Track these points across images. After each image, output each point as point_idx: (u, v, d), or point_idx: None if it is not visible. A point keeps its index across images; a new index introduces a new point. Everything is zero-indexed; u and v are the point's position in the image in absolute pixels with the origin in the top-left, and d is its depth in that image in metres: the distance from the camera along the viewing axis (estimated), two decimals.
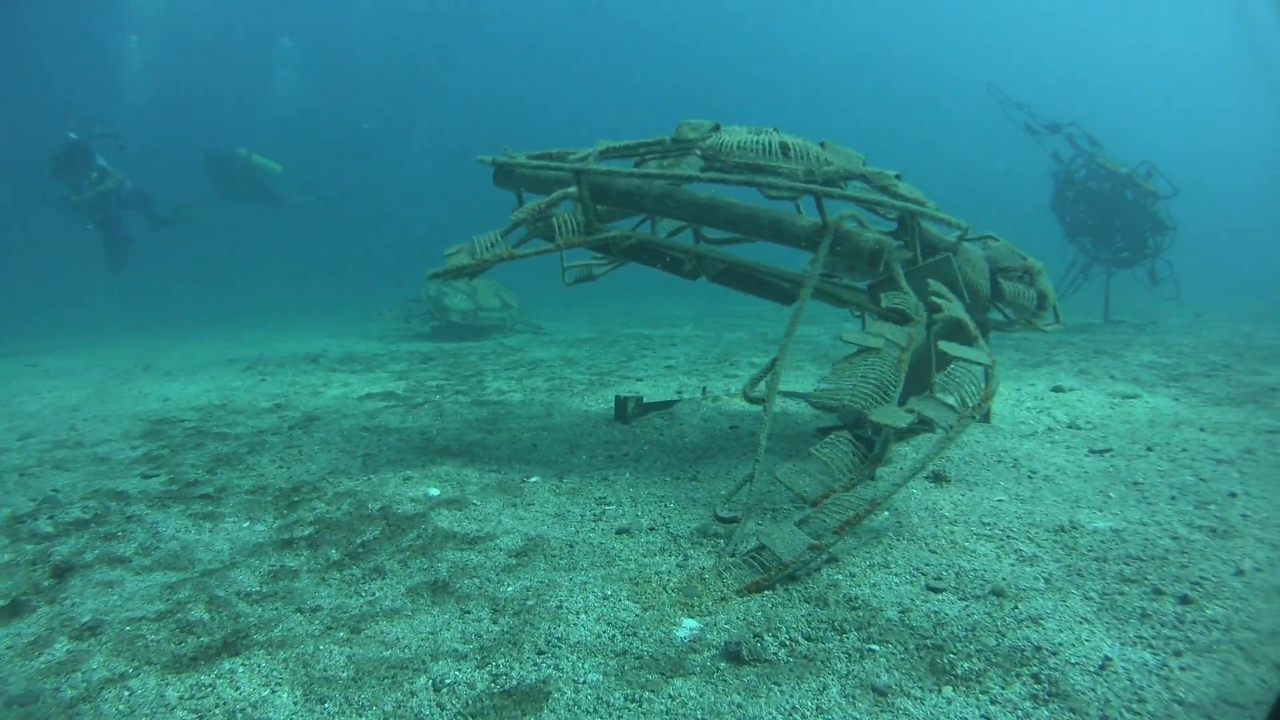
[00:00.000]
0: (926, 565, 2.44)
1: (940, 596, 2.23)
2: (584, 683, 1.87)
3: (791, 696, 1.78)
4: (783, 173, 3.29)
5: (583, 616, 2.21)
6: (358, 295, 17.50)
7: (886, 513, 2.90)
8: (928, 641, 1.98)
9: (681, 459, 3.82)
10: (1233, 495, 2.94)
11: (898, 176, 3.70)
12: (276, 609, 2.37)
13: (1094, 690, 1.74)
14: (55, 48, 29.13)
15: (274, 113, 29.81)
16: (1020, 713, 1.68)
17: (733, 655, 1.95)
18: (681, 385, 6.01)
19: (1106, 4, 39.49)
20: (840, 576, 2.40)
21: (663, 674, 1.90)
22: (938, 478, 3.28)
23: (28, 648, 2.17)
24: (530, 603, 2.32)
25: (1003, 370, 6.12)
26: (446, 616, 2.26)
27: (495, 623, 2.21)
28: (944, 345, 2.97)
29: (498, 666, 1.96)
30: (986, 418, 4.34)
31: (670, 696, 1.80)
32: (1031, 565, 2.41)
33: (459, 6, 37.03)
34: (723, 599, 2.29)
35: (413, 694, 1.86)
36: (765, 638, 2.04)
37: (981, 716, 1.68)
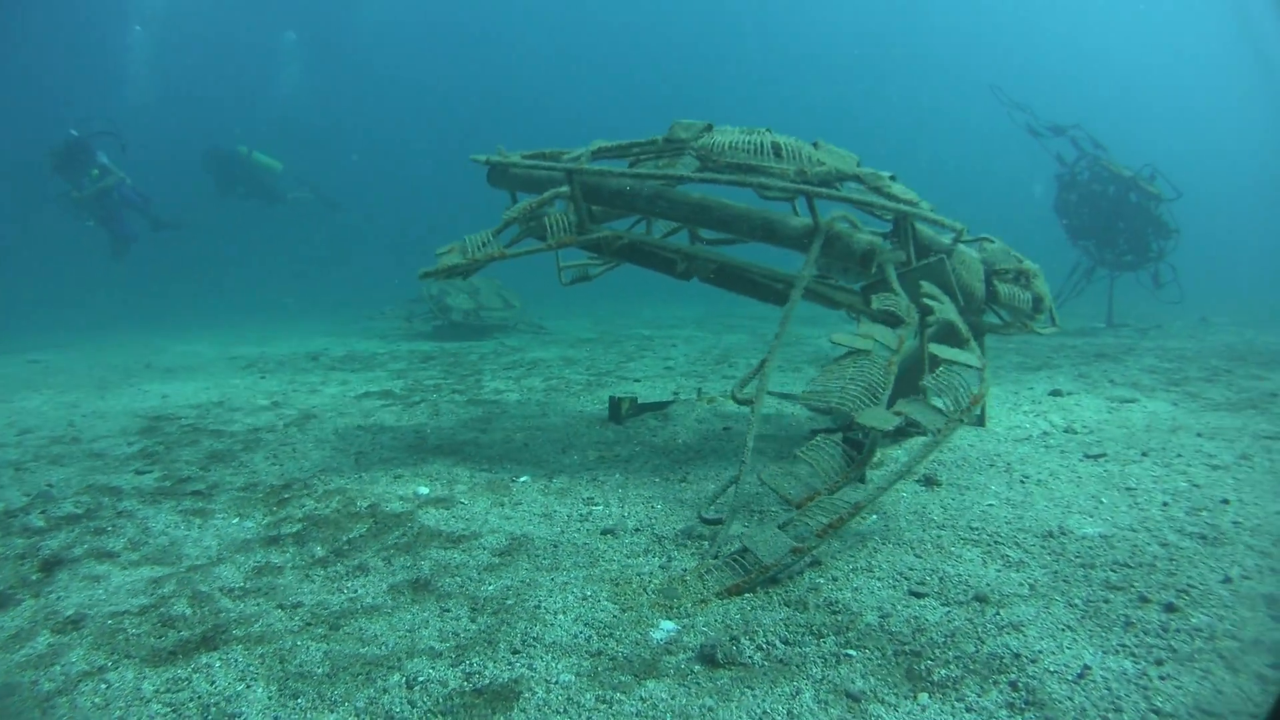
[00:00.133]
0: (911, 570, 2.42)
1: (922, 602, 2.21)
2: (556, 683, 1.86)
3: (764, 701, 1.77)
4: (774, 173, 3.28)
5: (560, 617, 2.21)
6: (360, 294, 17.54)
7: (874, 516, 2.88)
8: (906, 647, 1.96)
9: (673, 460, 3.81)
10: (1225, 501, 2.90)
11: (892, 177, 3.67)
12: (258, 605, 2.37)
13: (1071, 699, 1.72)
14: (56, 47, 29.28)
15: (277, 111, 29.95)
16: None
17: (707, 658, 1.93)
18: (679, 386, 5.99)
19: (1108, 5, 39.29)
20: (822, 580, 2.38)
21: (636, 675, 1.89)
22: (929, 481, 3.26)
23: (9, 641, 2.18)
24: (510, 602, 2.31)
25: (1001, 374, 6.09)
26: (426, 614, 2.26)
27: (473, 621, 2.20)
28: (934, 348, 2.95)
29: (471, 665, 1.96)
30: (981, 421, 4.31)
31: (641, 698, 1.79)
32: (1017, 571, 2.39)
33: (461, 6, 37.15)
34: (702, 601, 2.28)
35: (385, 691, 1.86)
36: (742, 641, 2.02)
37: None
